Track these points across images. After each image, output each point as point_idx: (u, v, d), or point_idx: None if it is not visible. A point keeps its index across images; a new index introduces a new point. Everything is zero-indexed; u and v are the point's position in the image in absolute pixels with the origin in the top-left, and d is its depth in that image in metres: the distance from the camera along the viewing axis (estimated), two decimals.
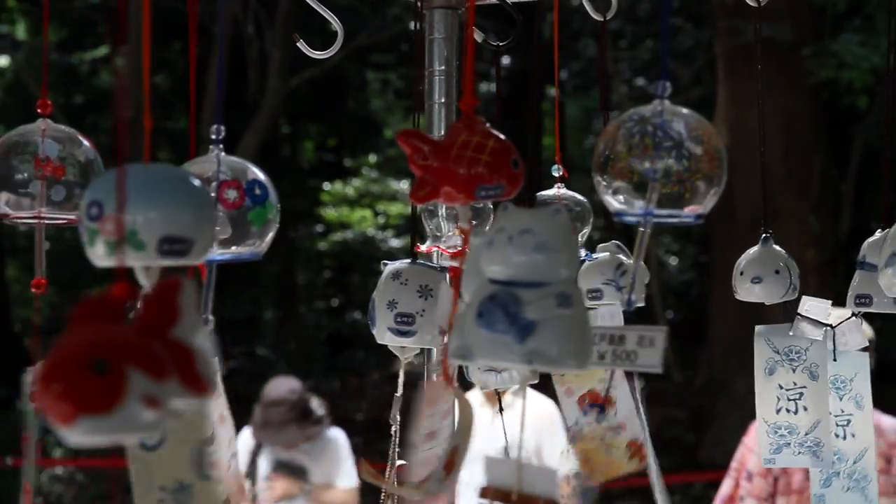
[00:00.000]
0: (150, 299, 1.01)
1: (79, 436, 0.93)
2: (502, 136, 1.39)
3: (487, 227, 1.69)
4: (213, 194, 1.48)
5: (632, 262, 2.10)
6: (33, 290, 1.72)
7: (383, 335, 1.85)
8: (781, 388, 2.18)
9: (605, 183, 1.38)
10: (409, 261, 1.88)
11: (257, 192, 1.51)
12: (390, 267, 1.87)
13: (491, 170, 1.36)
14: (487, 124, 1.41)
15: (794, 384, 2.18)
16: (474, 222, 1.52)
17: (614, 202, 1.39)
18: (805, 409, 2.17)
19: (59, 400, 0.92)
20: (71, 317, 0.98)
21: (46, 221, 1.74)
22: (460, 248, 1.52)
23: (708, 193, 1.37)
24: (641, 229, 1.39)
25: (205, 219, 1.16)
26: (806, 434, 2.17)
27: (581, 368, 1.23)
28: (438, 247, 1.93)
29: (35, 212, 1.73)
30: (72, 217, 1.74)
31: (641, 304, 2.13)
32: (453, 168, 1.37)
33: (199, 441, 1.16)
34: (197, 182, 1.17)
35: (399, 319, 1.82)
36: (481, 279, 1.26)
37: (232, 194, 1.49)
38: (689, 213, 1.38)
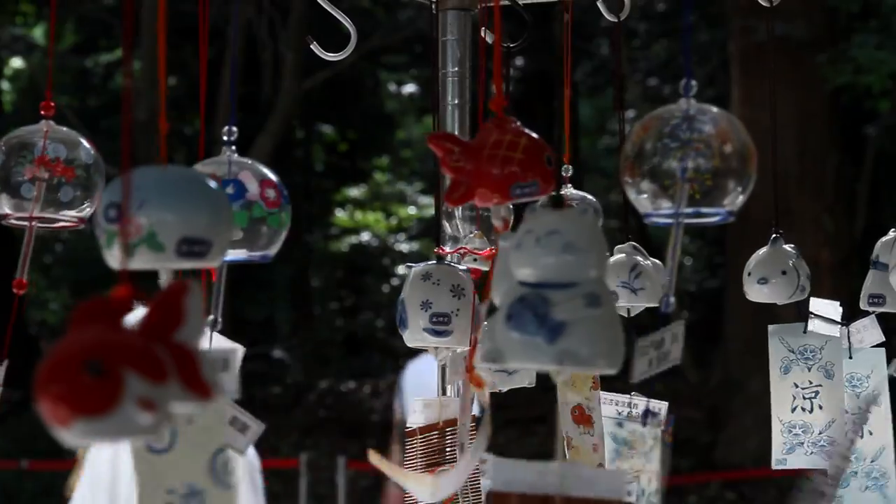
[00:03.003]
0: (156, 302, 1.01)
1: (75, 437, 0.94)
2: (535, 134, 1.39)
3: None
4: (255, 194, 1.48)
5: (647, 262, 2.10)
6: (14, 290, 1.71)
7: (418, 336, 1.84)
8: (797, 386, 2.18)
9: (632, 184, 1.38)
10: (434, 262, 1.88)
11: (285, 192, 1.51)
12: (417, 269, 1.86)
13: (525, 167, 1.36)
14: (518, 122, 1.40)
15: (810, 383, 2.18)
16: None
17: (643, 203, 1.38)
18: (820, 407, 2.17)
19: (57, 401, 0.93)
20: (71, 319, 0.98)
21: (39, 225, 1.74)
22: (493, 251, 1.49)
23: (737, 191, 1.37)
24: (674, 229, 1.39)
25: (223, 220, 1.17)
26: (820, 433, 2.16)
27: (613, 369, 1.22)
28: (470, 250, 1.92)
29: (27, 213, 1.72)
30: (70, 220, 1.74)
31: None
32: (486, 168, 1.37)
33: (218, 447, 1.15)
34: (214, 184, 1.18)
35: (435, 319, 1.81)
36: (511, 282, 1.26)
37: (272, 193, 1.49)
38: (719, 211, 1.38)
